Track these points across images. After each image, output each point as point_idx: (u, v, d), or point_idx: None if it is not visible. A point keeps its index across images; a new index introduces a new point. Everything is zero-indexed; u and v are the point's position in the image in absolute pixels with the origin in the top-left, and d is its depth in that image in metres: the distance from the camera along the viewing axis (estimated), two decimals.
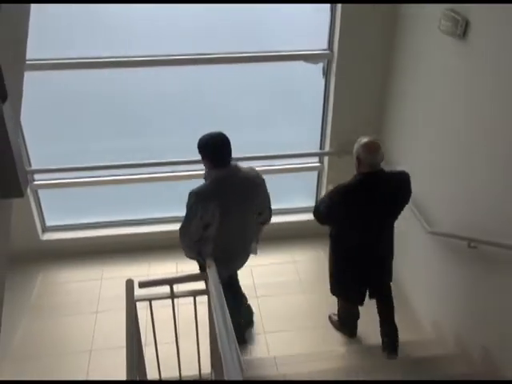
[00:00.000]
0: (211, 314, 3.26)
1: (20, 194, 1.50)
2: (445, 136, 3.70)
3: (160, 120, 4.79)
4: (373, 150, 3.23)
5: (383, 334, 3.79)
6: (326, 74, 4.61)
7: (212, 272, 3.26)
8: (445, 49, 3.56)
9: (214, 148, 3.29)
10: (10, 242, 1.76)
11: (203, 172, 3.51)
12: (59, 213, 5.02)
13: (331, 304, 4.41)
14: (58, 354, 3.96)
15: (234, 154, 4.59)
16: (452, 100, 3.57)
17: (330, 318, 4.28)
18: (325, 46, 4.50)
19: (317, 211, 3.64)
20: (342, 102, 4.60)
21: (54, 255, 4.84)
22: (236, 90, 4.74)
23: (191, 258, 3.67)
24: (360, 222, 3.41)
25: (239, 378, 2.29)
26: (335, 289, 3.83)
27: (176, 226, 4.90)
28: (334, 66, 4.49)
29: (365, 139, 3.30)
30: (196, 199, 3.29)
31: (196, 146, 3.34)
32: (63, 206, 5.06)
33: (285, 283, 4.72)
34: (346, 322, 4.12)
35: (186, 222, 3.43)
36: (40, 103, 4.35)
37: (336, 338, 4.13)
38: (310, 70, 4.64)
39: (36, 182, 4.71)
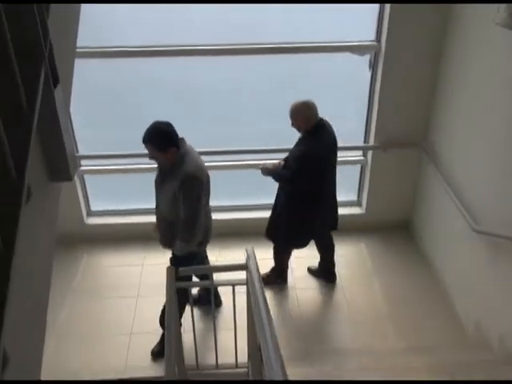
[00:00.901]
0: (250, 304, 3.27)
1: (68, 177, 1.53)
2: (496, 133, 3.58)
3: (206, 109, 4.81)
4: (312, 104, 3.75)
5: (330, 263, 4.50)
6: (373, 66, 4.52)
7: (253, 262, 3.26)
8: (501, 43, 3.42)
9: (174, 131, 3.24)
10: (57, 225, 1.81)
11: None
12: (104, 198, 5.13)
13: (370, 300, 4.38)
14: (99, 334, 4.06)
15: (280, 145, 4.60)
16: (503, 99, 3.45)
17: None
18: (372, 37, 4.41)
19: (289, 180, 3.91)
20: (388, 95, 4.50)
21: (98, 239, 4.96)
22: (279, 81, 4.71)
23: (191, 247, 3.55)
24: (328, 169, 3.92)
25: (280, 377, 2.21)
26: (294, 239, 4.21)
27: (222, 215, 5.01)
28: (381, 58, 4.39)
29: (298, 102, 3.76)
30: (197, 181, 3.27)
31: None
32: (108, 191, 5.17)
33: None
34: (283, 271, 4.53)
35: (196, 206, 3.34)
36: (88, 90, 4.45)
37: (374, 334, 4.08)
38: (355, 62, 4.56)
39: (82, 168, 4.83)
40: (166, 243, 3.60)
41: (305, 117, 3.77)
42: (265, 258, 4.77)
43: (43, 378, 3.50)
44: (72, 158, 1.55)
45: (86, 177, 4.94)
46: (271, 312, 2.61)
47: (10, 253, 1.15)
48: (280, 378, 2.09)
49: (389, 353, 3.83)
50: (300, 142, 3.89)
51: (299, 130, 3.85)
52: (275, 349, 2.26)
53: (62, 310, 4.27)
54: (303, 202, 3.96)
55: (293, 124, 3.83)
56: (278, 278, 4.54)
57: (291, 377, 3.18)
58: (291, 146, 3.95)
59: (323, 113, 3.83)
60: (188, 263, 3.37)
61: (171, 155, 3.19)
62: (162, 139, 3.16)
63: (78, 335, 4.06)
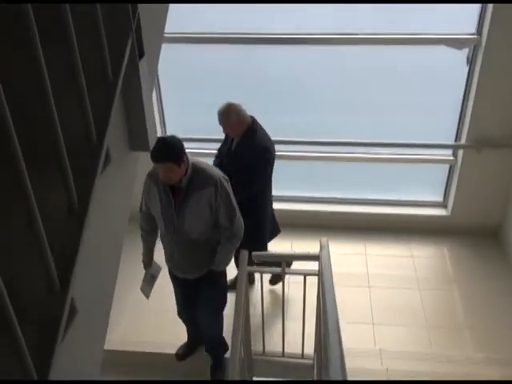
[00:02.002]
0: (319, 296, 3.24)
1: (147, 147, 1.59)
2: None
3: (312, 97, 4.80)
4: (238, 104, 3.57)
5: None
6: (471, 61, 4.27)
7: (325, 253, 3.23)
8: None
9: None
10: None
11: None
12: None
13: (449, 306, 4.19)
14: (170, 310, 4.18)
15: (366, 139, 4.50)
16: None
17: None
18: (472, 29, 4.17)
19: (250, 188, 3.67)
20: (485, 92, 4.24)
21: None
22: (368, 72, 4.59)
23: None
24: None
25: (338, 375, 2.06)
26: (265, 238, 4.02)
27: (296, 206, 5.00)
28: (480, 52, 4.15)
29: (225, 107, 3.57)
30: (228, 181, 3.04)
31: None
32: None
33: (400, 277, 4.53)
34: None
35: (238, 210, 3.10)
36: (182, 76, 4.59)
37: (450, 342, 3.89)
38: (452, 56, 4.34)
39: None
40: (202, 267, 3.22)
41: (238, 118, 3.56)
42: (338, 253, 4.72)
43: (118, 348, 3.71)
44: (152, 129, 1.60)
45: None
46: None
47: (84, 210, 1.21)
48: (338, 376, 1.97)
49: (465, 361, 3.65)
50: (240, 144, 3.65)
51: (234, 134, 3.67)
52: (337, 345, 2.14)
53: (136, 286, 4.43)
54: (258, 208, 3.82)
55: (225, 130, 3.67)
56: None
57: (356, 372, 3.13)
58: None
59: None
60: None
61: (184, 166, 2.83)
62: (177, 151, 2.79)
63: (151, 310, 4.21)
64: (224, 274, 3.36)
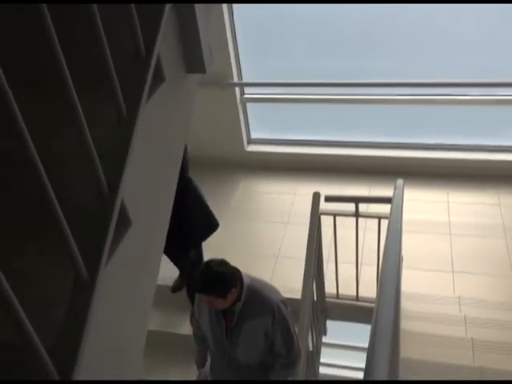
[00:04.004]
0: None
1: (203, 69, 1.58)
2: None
3: (372, 39, 4.59)
4: None
5: None
6: None
7: (398, 195, 3.10)
8: None
9: (231, 268, 2.64)
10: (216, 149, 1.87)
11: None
12: (264, 127, 5.28)
13: None
14: (248, 253, 4.29)
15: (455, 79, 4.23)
16: None
17: None
18: None
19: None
20: None
21: (255, 166, 5.14)
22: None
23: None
24: None
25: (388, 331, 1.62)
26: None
27: (373, 152, 4.86)
28: None
29: None
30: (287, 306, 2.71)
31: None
32: (269, 120, 5.30)
33: (484, 225, 4.30)
34: None
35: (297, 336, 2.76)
36: (257, 20, 4.52)
37: None
38: None
39: (246, 96, 4.99)
40: None
41: None
42: (419, 200, 4.55)
43: None
44: (207, 53, 1.59)
45: (248, 105, 5.10)
46: None
47: (133, 121, 1.23)
48: (390, 321, 1.58)
49: None
50: None
51: None
52: (392, 288, 1.77)
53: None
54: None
55: None
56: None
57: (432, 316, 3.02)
58: None
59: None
60: None
61: (232, 296, 2.51)
62: (224, 285, 2.47)
63: (229, 252, 4.30)
64: None
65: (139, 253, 1.39)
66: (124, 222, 1.25)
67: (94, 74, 1.26)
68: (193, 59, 1.55)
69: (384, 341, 1.37)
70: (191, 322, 2.89)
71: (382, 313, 1.53)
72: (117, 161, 1.17)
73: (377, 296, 1.56)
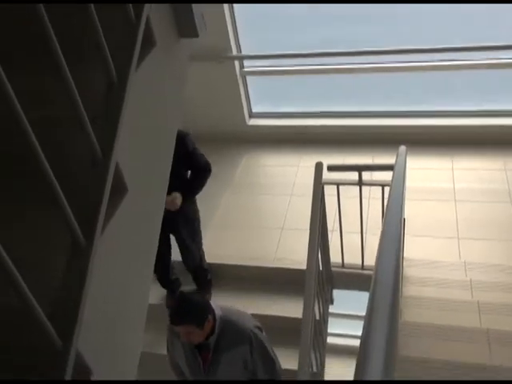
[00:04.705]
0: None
1: (195, 34, 1.55)
2: None
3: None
4: None
5: None
6: None
7: (401, 162, 3.07)
8: None
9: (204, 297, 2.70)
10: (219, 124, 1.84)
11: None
12: (265, 100, 5.24)
13: None
14: (253, 226, 4.30)
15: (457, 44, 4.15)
16: None
17: None
18: None
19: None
20: None
21: (257, 140, 5.12)
22: None
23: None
24: None
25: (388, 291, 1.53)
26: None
27: (375, 121, 4.82)
28: None
29: None
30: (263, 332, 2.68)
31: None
32: (269, 93, 5.25)
33: (490, 191, 4.27)
34: None
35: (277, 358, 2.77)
36: None
37: None
38: None
39: (245, 69, 4.94)
40: None
41: None
42: (423, 168, 4.52)
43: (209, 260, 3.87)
44: (199, 18, 1.56)
45: (248, 78, 5.05)
46: None
47: (123, 85, 1.21)
48: (387, 298, 1.42)
49: None
50: None
51: None
52: (391, 256, 1.60)
53: (221, 202, 4.57)
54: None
55: None
56: None
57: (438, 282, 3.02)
58: None
59: None
60: None
61: (209, 325, 2.46)
62: (200, 312, 2.43)
63: (233, 226, 4.34)
64: None
65: (137, 220, 1.39)
66: (120, 188, 1.24)
67: (83, 41, 1.24)
68: (184, 23, 1.52)
69: (382, 308, 1.30)
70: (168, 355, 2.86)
71: (380, 278, 1.45)
72: (109, 125, 1.16)
73: (376, 260, 1.49)
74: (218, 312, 2.51)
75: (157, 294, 3.88)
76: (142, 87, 1.31)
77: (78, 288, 1.05)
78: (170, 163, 1.60)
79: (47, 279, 1.07)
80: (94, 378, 1.16)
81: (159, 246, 3.37)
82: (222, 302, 3.78)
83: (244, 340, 2.52)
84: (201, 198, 3.59)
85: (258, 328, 2.63)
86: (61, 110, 1.14)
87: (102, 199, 1.11)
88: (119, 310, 1.32)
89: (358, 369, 1.03)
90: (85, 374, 1.14)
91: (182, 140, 3.07)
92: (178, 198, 3.24)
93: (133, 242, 1.38)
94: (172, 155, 1.61)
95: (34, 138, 0.97)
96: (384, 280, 1.41)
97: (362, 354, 1.06)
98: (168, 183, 1.60)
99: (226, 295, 3.86)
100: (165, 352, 3.42)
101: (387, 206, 2.29)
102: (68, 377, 1.01)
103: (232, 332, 2.52)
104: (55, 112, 1.17)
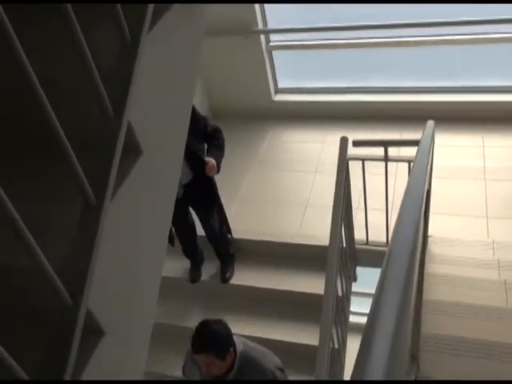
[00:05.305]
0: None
1: None
2: None
3: None
4: None
5: None
6: None
7: (427, 136, 2.97)
8: None
9: (226, 325, 2.49)
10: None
11: None
12: (291, 75, 5.16)
13: None
14: (277, 202, 4.28)
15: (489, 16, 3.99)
16: None
17: None
18: None
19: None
20: None
21: (283, 116, 5.06)
22: None
23: None
24: None
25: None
26: None
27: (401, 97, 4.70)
28: None
29: None
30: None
31: None
32: (295, 68, 5.17)
33: None
34: None
35: None
36: None
37: None
38: None
39: (271, 43, 4.86)
40: None
41: None
42: (453, 145, 4.40)
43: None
44: None
45: (274, 54, 4.97)
46: None
47: (136, 46, 1.18)
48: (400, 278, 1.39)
49: None
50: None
51: None
52: (407, 232, 1.42)
53: (246, 177, 4.55)
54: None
55: None
56: None
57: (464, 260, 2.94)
58: None
59: None
60: None
61: (230, 358, 2.38)
62: (223, 342, 2.35)
63: (258, 201, 4.32)
64: None
65: (152, 184, 1.37)
66: (134, 150, 1.23)
67: None
68: None
69: (393, 287, 1.13)
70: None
71: (394, 255, 1.27)
72: (121, 83, 1.13)
73: (392, 235, 1.33)
74: (239, 346, 2.43)
75: (178, 267, 3.91)
76: (156, 48, 1.28)
77: (88, 247, 1.04)
78: (186, 131, 1.57)
79: (57, 237, 1.07)
80: (106, 340, 1.16)
81: (182, 216, 3.41)
82: (244, 276, 3.83)
83: (262, 380, 2.43)
84: (225, 173, 3.56)
85: (280, 369, 2.51)
86: (72, 67, 1.12)
87: (114, 157, 1.09)
88: (132, 274, 1.31)
89: (359, 360, 0.84)
90: (96, 335, 1.14)
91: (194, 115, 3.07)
92: (212, 160, 3.25)
93: (147, 205, 1.36)
94: (188, 124, 1.58)
95: (42, 94, 0.95)
96: (398, 257, 1.25)
97: (364, 347, 0.87)
98: (184, 151, 1.57)
99: (249, 270, 3.86)
100: (182, 324, 3.45)
101: (409, 178, 2.22)
102: (78, 335, 1.01)
103: (251, 370, 2.42)
104: (66, 69, 1.15)
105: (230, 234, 3.81)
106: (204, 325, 2.38)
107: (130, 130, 1.17)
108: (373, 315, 0.93)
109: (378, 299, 0.97)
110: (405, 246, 1.23)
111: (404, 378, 0.83)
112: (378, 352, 0.77)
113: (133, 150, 1.23)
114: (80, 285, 1.02)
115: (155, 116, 1.36)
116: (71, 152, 1.03)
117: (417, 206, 1.72)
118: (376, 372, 0.73)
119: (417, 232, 1.45)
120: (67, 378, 0.99)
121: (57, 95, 1.00)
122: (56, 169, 1.09)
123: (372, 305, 1.00)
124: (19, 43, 0.90)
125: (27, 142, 1.16)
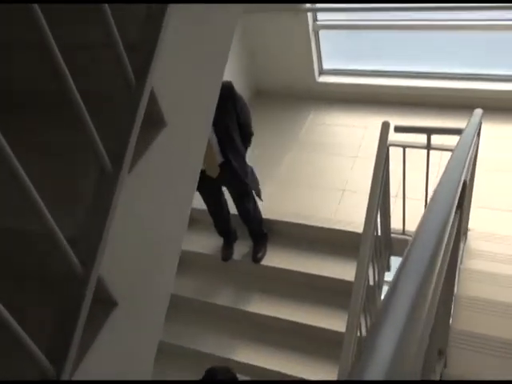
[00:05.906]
0: None
1: None
2: None
3: None
4: None
5: None
6: None
7: (472, 125, 2.84)
8: None
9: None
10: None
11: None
12: (337, 56, 5.04)
13: None
14: (314, 185, 4.21)
15: None
16: None
17: None
18: None
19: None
20: None
21: (326, 97, 4.96)
22: None
23: None
24: None
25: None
26: None
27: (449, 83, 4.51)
28: None
29: None
30: None
31: None
32: (342, 49, 5.05)
33: None
34: None
35: None
36: None
37: None
38: None
39: (318, 22, 4.75)
40: None
41: None
42: (497, 137, 4.21)
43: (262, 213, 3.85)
44: None
45: (321, 32, 4.85)
46: None
47: (161, 17, 1.15)
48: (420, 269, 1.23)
49: None
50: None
51: None
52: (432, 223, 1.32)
53: (285, 158, 4.50)
54: None
55: None
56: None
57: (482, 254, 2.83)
58: None
59: None
60: None
61: None
62: None
63: (296, 183, 4.27)
64: None
65: (175, 158, 1.35)
66: (157, 121, 1.20)
67: None
68: None
69: (409, 283, 0.96)
70: None
71: (414, 249, 1.10)
72: (145, 51, 1.11)
73: (417, 226, 1.20)
74: None
75: (213, 244, 3.93)
76: (185, 21, 1.24)
77: (103, 215, 1.03)
78: (214, 107, 1.54)
79: (71, 205, 1.06)
80: (118, 310, 1.16)
81: (215, 195, 3.40)
82: (275, 258, 3.81)
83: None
84: (264, 154, 3.53)
85: None
86: (94, 34, 1.10)
87: (134, 125, 1.07)
88: (150, 247, 1.30)
89: (358, 359, 0.76)
90: (109, 305, 1.14)
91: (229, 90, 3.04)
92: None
93: (168, 179, 1.34)
94: (216, 100, 1.54)
95: (61, 60, 0.94)
96: (418, 251, 1.11)
97: (367, 346, 0.77)
98: (210, 127, 1.55)
99: (281, 252, 3.84)
100: (209, 299, 3.45)
101: (446, 165, 2.11)
102: (87, 302, 1.00)
103: None
104: (87, 35, 1.14)
105: (259, 196, 3.69)
106: (210, 374, 2.40)
107: (153, 99, 1.14)
108: (382, 313, 0.87)
109: (388, 298, 0.89)
110: (429, 239, 1.14)
111: (412, 378, 0.77)
112: (381, 351, 0.72)
113: (156, 122, 1.20)
114: (91, 253, 1.01)
115: (182, 91, 1.33)
116: (88, 118, 1.01)
117: (448, 197, 1.63)
118: (376, 372, 0.68)
119: (445, 224, 1.36)
120: (75, 344, 0.99)
121: (74, 60, 0.99)
122: (74, 135, 1.08)
123: (382, 303, 0.92)
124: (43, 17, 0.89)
125: (42, 107, 1.15)
